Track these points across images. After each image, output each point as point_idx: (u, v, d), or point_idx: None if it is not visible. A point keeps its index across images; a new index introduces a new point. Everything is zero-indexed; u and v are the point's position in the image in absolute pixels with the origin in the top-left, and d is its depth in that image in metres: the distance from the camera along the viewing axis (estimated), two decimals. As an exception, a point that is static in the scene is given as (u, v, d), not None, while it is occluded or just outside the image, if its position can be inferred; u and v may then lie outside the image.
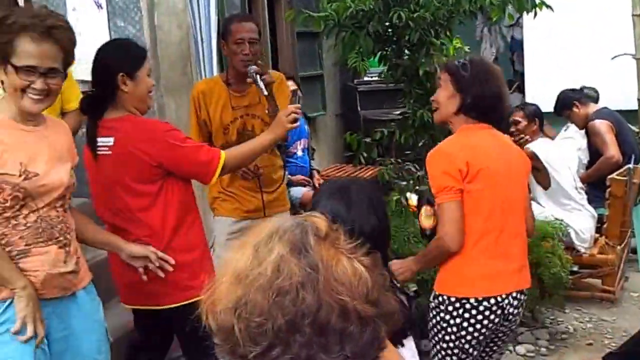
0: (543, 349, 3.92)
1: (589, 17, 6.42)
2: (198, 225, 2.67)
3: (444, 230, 2.36)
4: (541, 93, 5.72)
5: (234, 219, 3.46)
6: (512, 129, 4.71)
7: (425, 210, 2.56)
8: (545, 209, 4.51)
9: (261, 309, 1.04)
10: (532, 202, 4.61)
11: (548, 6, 3.89)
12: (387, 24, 3.72)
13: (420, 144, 3.98)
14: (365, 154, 4.13)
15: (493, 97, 2.45)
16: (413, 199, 3.91)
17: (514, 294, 2.44)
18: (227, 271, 1.09)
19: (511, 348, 3.85)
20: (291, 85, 4.96)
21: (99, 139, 2.55)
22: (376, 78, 7.05)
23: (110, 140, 2.53)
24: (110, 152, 2.53)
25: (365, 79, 7.28)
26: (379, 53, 3.91)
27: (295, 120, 2.75)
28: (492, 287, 2.41)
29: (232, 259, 1.10)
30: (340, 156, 7.50)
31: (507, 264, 2.45)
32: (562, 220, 4.30)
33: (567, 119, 5.26)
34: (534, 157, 4.40)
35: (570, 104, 5.09)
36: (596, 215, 4.60)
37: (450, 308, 2.41)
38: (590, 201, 4.61)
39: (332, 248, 1.09)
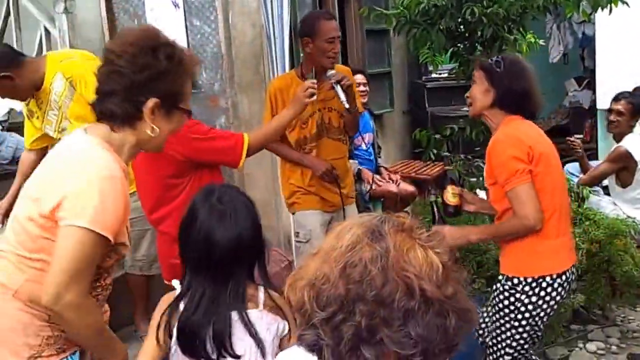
0: (614, 347, 3.89)
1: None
2: None
3: (525, 211, 2.47)
4: (613, 89, 5.61)
5: (322, 212, 3.59)
6: (612, 118, 4.63)
7: (451, 188, 2.85)
8: (617, 207, 4.47)
9: (330, 279, 1.15)
10: (604, 199, 4.60)
11: (624, 2, 3.84)
12: (459, 20, 3.75)
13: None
14: (434, 151, 4.16)
15: (524, 92, 2.62)
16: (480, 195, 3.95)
17: (573, 269, 2.65)
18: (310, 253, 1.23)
19: (581, 345, 3.84)
20: (360, 79, 5.04)
21: None
22: (444, 75, 7.06)
23: None
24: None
25: (433, 76, 7.29)
26: (451, 49, 3.94)
27: (312, 95, 2.93)
28: (562, 263, 2.60)
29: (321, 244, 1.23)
30: (407, 153, 7.52)
31: (568, 240, 2.68)
32: (634, 218, 4.25)
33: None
34: (628, 156, 4.34)
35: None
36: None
37: (527, 288, 2.56)
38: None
39: (407, 237, 1.17)
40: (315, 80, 3.01)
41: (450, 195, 2.84)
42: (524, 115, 2.65)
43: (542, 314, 2.58)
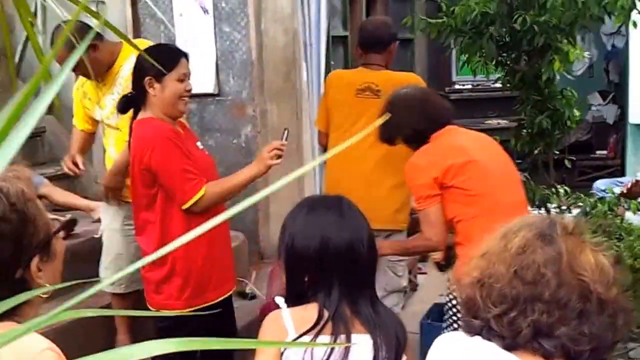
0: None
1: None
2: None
3: (430, 232, 2.66)
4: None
5: None
6: None
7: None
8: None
9: (502, 278, 1.23)
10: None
11: None
12: (507, 29, 3.65)
13: (535, 151, 3.88)
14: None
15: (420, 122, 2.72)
16: None
17: None
18: (477, 252, 1.30)
19: (624, 363, 3.72)
20: None
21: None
22: (468, 86, 6.96)
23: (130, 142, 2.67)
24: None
25: (456, 87, 7.20)
26: (496, 59, 3.83)
27: (278, 157, 2.66)
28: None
29: (483, 243, 1.30)
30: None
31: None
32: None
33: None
34: None
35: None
36: None
37: None
38: None
39: (577, 240, 1.24)
40: (284, 142, 2.74)
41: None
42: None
43: None
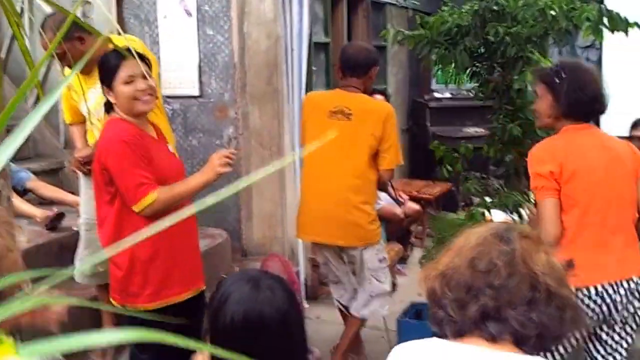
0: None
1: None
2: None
3: (542, 225, 2.52)
4: (618, 114, 5.69)
5: None
6: (636, 143, 4.72)
7: None
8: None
9: (459, 269, 1.39)
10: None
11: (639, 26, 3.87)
12: (481, 41, 3.78)
13: (507, 159, 4.01)
14: (449, 167, 4.16)
15: (590, 101, 2.60)
16: (494, 215, 3.97)
17: (619, 282, 2.55)
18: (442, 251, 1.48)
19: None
20: (380, 99, 5.07)
21: None
22: (447, 95, 7.11)
23: None
24: None
25: (436, 95, 7.34)
26: (471, 69, 3.96)
27: (228, 165, 2.68)
28: (588, 277, 2.50)
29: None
30: (405, 171, 7.54)
31: (606, 256, 2.57)
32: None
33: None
34: None
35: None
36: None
37: None
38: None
39: (532, 243, 1.40)
40: (234, 150, 2.79)
41: None
42: (592, 118, 2.66)
43: None
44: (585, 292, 2.52)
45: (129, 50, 2.65)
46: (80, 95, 3.38)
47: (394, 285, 5.10)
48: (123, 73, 2.64)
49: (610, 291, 2.54)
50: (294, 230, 3.95)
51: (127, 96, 2.65)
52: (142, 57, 2.63)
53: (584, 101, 2.56)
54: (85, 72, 3.28)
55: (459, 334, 1.39)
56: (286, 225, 4.93)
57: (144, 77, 2.65)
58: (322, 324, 4.47)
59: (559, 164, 2.53)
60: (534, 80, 2.77)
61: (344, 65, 3.69)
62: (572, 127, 2.61)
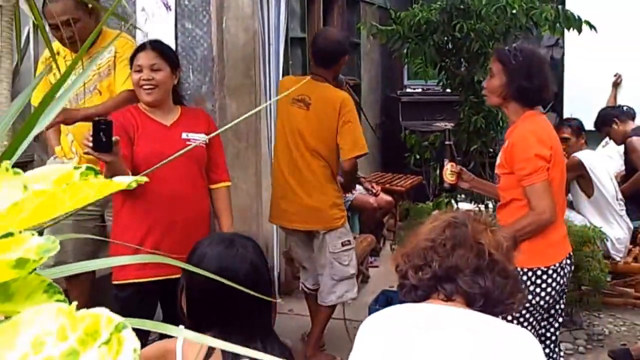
0: (581, 348, 4.16)
1: (631, 39, 6.69)
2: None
3: (543, 205, 2.63)
4: (580, 110, 5.99)
5: None
6: (562, 146, 5.00)
7: (450, 166, 2.94)
8: (584, 218, 4.76)
9: (418, 245, 1.68)
10: (573, 210, 4.88)
11: (592, 27, 4.11)
12: (449, 36, 4.01)
13: (472, 149, 4.24)
14: (418, 156, 4.39)
15: (542, 86, 2.71)
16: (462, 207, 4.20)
17: (570, 254, 2.85)
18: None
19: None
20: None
21: None
22: (419, 90, 7.34)
23: None
24: None
25: (408, 90, 7.56)
26: (439, 64, 4.19)
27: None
28: (564, 250, 2.80)
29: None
30: (377, 165, 7.75)
31: (562, 231, 2.85)
32: (600, 227, 4.54)
33: (607, 135, 5.51)
34: (580, 165, 4.67)
35: (611, 121, 5.33)
36: (632, 227, 4.84)
37: (534, 279, 2.71)
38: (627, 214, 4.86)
39: (481, 224, 1.68)
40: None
41: (449, 173, 2.94)
42: (539, 105, 2.82)
43: (542, 302, 2.71)
44: (564, 262, 2.76)
45: (152, 42, 3.03)
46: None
47: (365, 278, 5.29)
48: (136, 62, 2.95)
49: (569, 262, 2.82)
50: (269, 225, 4.11)
51: (134, 83, 2.97)
52: (165, 52, 3.01)
53: (533, 86, 2.68)
54: (75, 48, 3.26)
55: (421, 298, 1.65)
56: (261, 219, 5.06)
57: (154, 70, 2.92)
58: (294, 317, 4.58)
59: (550, 147, 2.69)
60: (492, 59, 2.84)
61: (314, 54, 3.87)
62: (533, 113, 2.75)
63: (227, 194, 3.18)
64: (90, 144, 2.51)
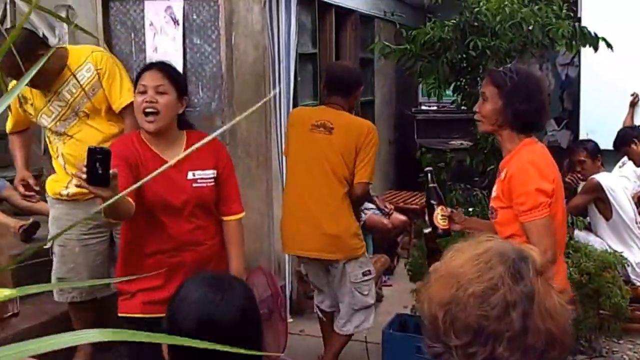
0: (601, 377, 4.00)
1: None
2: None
3: (544, 245, 2.35)
4: (595, 128, 5.85)
5: None
6: (578, 169, 4.87)
7: (441, 210, 2.71)
8: (603, 242, 4.60)
9: (470, 310, 1.21)
10: (591, 234, 4.73)
11: (609, 45, 3.98)
12: (463, 54, 3.89)
13: (488, 169, 4.11)
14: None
15: (538, 110, 2.48)
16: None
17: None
18: (443, 268, 1.27)
19: (571, 373, 3.93)
20: None
21: None
22: (434, 107, 7.22)
23: None
24: None
25: (423, 108, 7.45)
26: (454, 83, 4.07)
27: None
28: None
29: (449, 258, 1.28)
30: (392, 182, 7.62)
31: (563, 271, 2.72)
32: (621, 252, 4.39)
33: (625, 154, 5.37)
34: (599, 188, 4.52)
35: (630, 141, 5.20)
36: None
37: None
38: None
39: (545, 284, 1.25)
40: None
41: (440, 218, 2.72)
42: (535, 131, 2.58)
43: None
44: None
45: (160, 62, 2.69)
46: (39, 110, 3.28)
47: (379, 297, 5.16)
48: (140, 81, 2.62)
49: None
50: (281, 244, 4.00)
51: (136, 108, 2.63)
52: (172, 75, 2.65)
53: (529, 112, 2.45)
54: (44, 86, 3.21)
55: None
56: (273, 238, 4.96)
57: (159, 92, 2.59)
58: (305, 338, 4.48)
59: (552, 179, 2.46)
60: (484, 82, 2.61)
61: (329, 83, 3.76)
62: (532, 141, 2.53)
63: (237, 227, 2.84)
64: (84, 176, 2.10)
